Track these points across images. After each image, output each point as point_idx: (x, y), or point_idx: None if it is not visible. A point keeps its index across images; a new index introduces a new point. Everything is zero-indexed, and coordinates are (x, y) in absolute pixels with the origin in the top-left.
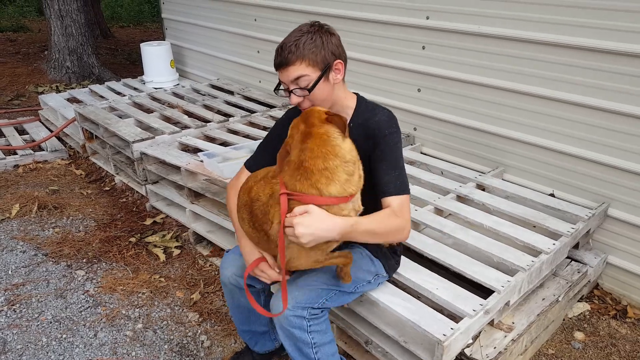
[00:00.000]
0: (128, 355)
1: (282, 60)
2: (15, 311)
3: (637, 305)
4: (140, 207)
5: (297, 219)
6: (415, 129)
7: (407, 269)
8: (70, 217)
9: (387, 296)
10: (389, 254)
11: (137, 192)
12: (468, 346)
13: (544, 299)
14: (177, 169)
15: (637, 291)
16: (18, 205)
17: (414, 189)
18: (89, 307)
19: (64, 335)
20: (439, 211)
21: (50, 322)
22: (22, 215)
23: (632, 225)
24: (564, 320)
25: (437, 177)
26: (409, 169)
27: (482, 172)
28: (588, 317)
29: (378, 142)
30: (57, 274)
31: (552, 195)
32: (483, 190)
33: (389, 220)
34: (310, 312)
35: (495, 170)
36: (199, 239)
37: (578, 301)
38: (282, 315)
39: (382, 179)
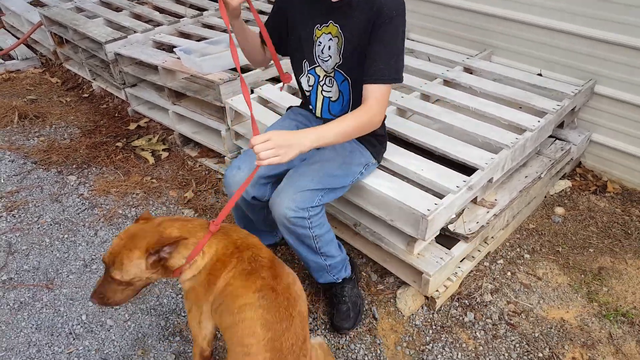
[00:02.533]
0: None
1: None
2: (15, 216)
3: (617, 181)
4: (122, 112)
5: (261, 146)
6: None
7: (394, 154)
8: (54, 126)
9: (374, 179)
10: (375, 141)
11: (117, 97)
12: (451, 222)
13: (526, 176)
14: (154, 68)
15: (617, 167)
16: None
17: None
18: (86, 209)
19: (66, 235)
20: (425, 97)
21: (51, 225)
22: (4, 126)
23: (618, 100)
24: (545, 197)
25: (424, 62)
26: None
27: (470, 56)
28: (569, 193)
29: (381, 23)
30: (50, 180)
31: (539, 75)
32: (470, 73)
33: (362, 117)
34: (310, 212)
35: (483, 52)
36: (186, 140)
37: (560, 179)
38: (284, 217)
39: (376, 64)
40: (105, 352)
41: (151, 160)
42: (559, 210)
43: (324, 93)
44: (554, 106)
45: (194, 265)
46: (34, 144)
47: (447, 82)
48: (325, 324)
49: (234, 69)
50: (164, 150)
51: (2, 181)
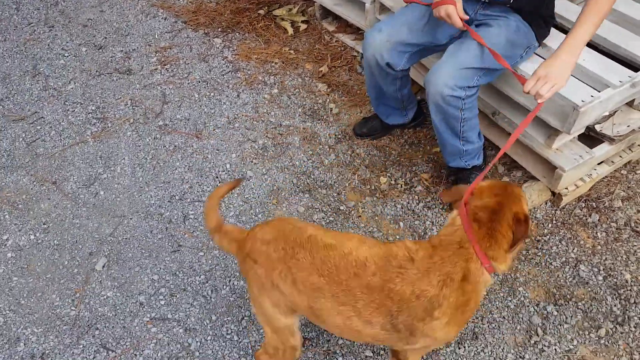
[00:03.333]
0: (268, 114)
1: None
2: (168, 70)
3: None
4: None
5: (536, 87)
6: None
7: (554, 40)
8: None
9: (526, 64)
10: (542, 22)
11: None
12: (599, 123)
13: None
14: None
15: None
16: None
17: None
18: (229, 71)
19: (212, 94)
20: None
21: (199, 82)
22: None
23: None
24: None
25: None
26: None
27: None
28: None
29: None
30: (198, 40)
31: None
32: None
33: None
34: (467, 92)
35: None
36: (325, 13)
37: None
38: (440, 95)
39: None
40: (245, 196)
41: (290, 30)
42: None
43: None
44: None
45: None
46: (183, 4)
47: None
48: (443, 206)
49: None
50: (302, 22)
51: (157, 37)
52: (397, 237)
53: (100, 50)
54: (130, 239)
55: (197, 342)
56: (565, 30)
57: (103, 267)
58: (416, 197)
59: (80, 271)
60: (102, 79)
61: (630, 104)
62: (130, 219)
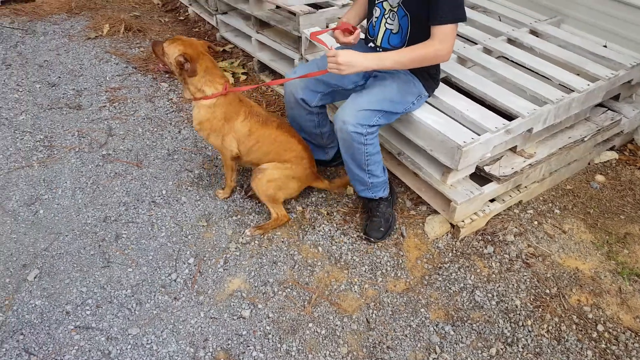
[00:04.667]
0: (205, 148)
1: None
2: (116, 107)
3: None
4: (211, 37)
5: (335, 59)
6: None
7: (445, 94)
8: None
9: (422, 112)
10: (427, 76)
11: (208, 22)
12: (487, 165)
13: (570, 137)
14: None
15: None
16: (108, 25)
17: (466, 29)
18: (173, 111)
19: (155, 129)
20: (487, 51)
21: (144, 119)
22: (112, 35)
23: None
24: (589, 164)
25: (492, 21)
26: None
27: (538, 20)
28: (614, 165)
29: None
30: (146, 84)
31: (604, 46)
32: (537, 36)
33: (420, 51)
34: (367, 129)
35: (552, 18)
36: (263, 67)
37: (608, 150)
38: (345, 131)
39: (438, 7)
40: (178, 219)
41: (231, 80)
42: (600, 177)
43: (386, 25)
44: (608, 74)
45: (209, 101)
46: (135, 52)
47: (510, 41)
48: (360, 230)
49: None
50: (242, 74)
51: (108, 79)
52: (315, 260)
53: (54, 87)
54: (64, 254)
55: (117, 350)
56: (454, 85)
57: (35, 278)
58: (335, 225)
59: (12, 281)
60: (53, 112)
61: (513, 149)
62: (66, 236)
